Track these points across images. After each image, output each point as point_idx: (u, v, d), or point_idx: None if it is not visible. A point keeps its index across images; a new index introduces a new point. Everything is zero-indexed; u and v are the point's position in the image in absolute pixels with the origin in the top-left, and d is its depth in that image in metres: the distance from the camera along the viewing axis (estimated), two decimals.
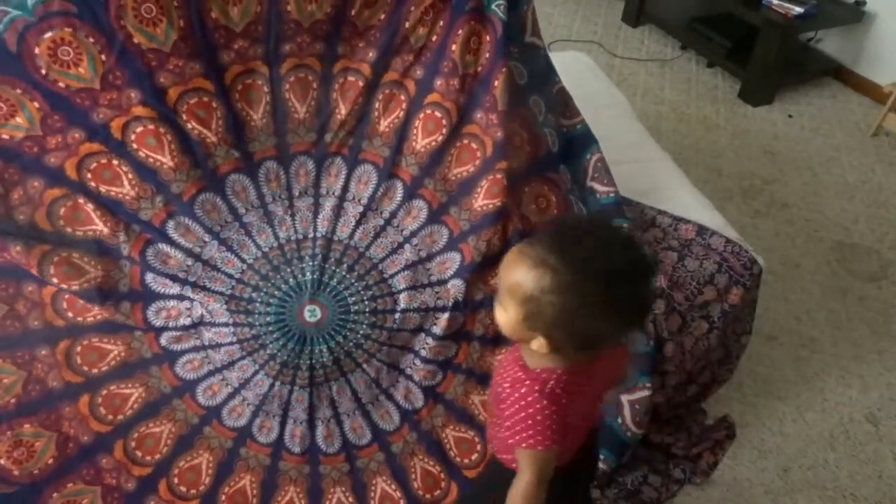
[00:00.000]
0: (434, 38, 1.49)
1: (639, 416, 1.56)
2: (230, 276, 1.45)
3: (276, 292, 1.44)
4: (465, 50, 1.46)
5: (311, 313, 1.47)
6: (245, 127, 1.47)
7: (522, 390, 0.98)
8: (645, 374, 1.56)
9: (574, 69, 2.32)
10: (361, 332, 1.47)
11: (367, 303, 1.48)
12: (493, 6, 1.45)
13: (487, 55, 1.47)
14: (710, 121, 3.03)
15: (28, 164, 1.33)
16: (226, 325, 1.42)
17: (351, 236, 1.52)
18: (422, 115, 1.51)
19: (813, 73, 3.32)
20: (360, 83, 1.50)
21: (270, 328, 1.43)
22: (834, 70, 3.33)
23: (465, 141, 1.51)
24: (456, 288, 1.45)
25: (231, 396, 1.43)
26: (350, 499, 1.43)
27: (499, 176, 1.46)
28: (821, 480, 1.71)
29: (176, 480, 1.39)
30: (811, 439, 1.80)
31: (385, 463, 1.45)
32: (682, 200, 1.81)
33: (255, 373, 1.43)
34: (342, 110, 1.52)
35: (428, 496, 1.46)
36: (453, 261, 1.49)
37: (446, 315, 1.45)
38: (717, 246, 1.66)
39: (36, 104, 1.31)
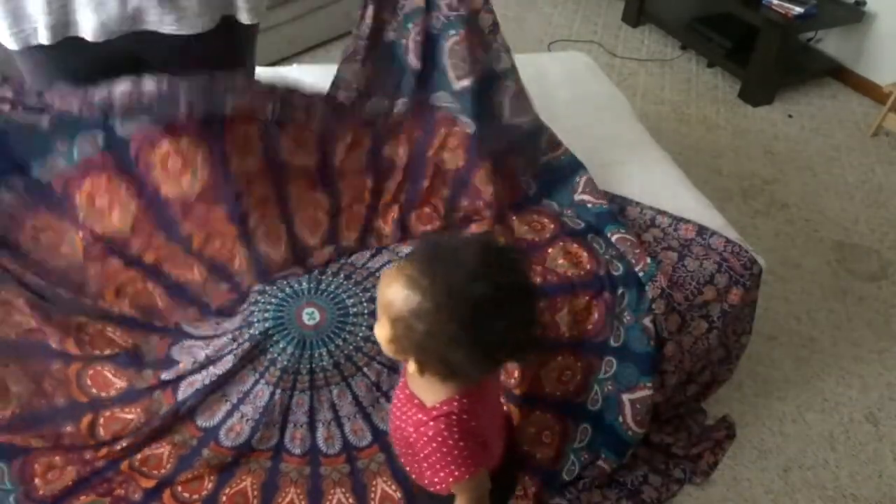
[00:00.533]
0: (411, 149, 1.61)
1: (640, 415, 1.56)
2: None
3: (272, 300, 1.45)
4: (441, 149, 1.61)
5: (310, 316, 1.47)
6: (269, 266, 1.54)
7: (430, 433, 0.93)
8: (646, 374, 1.56)
9: (574, 69, 2.33)
10: (361, 333, 1.47)
11: (365, 304, 1.49)
12: (463, 117, 1.58)
13: (463, 153, 1.60)
14: (710, 121, 3.03)
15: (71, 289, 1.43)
16: (230, 352, 1.44)
17: (347, 258, 1.61)
18: (415, 214, 1.65)
19: (813, 73, 3.32)
20: (363, 210, 1.62)
21: (270, 333, 1.44)
22: (834, 70, 3.33)
23: (456, 222, 1.66)
24: None
25: (229, 414, 1.43)
26: (350, 499, 1.43)
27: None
28: (821, 480, 1.71)
29: (179, 489, 1.41)
30: (811, 439, 1.80)
31: (385, 464, 1.45)
32: (682, 200, 1.81)
33: (255, 383, 1.43)
34: (350, 234, 1.62)
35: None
36: None
37: None
38: (717, 246, 1.66)
39: (80, 235, 1.40)
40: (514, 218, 1.65)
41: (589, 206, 1.68)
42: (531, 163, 1.73)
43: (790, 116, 3.10)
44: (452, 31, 1.57)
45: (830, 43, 3.33)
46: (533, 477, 1.52)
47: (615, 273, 1.54)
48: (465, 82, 1.58)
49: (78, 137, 1.31)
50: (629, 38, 3.63)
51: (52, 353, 1.42)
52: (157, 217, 1.41)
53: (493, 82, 1.64)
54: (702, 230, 1.70)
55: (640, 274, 1.54)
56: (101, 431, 1.42)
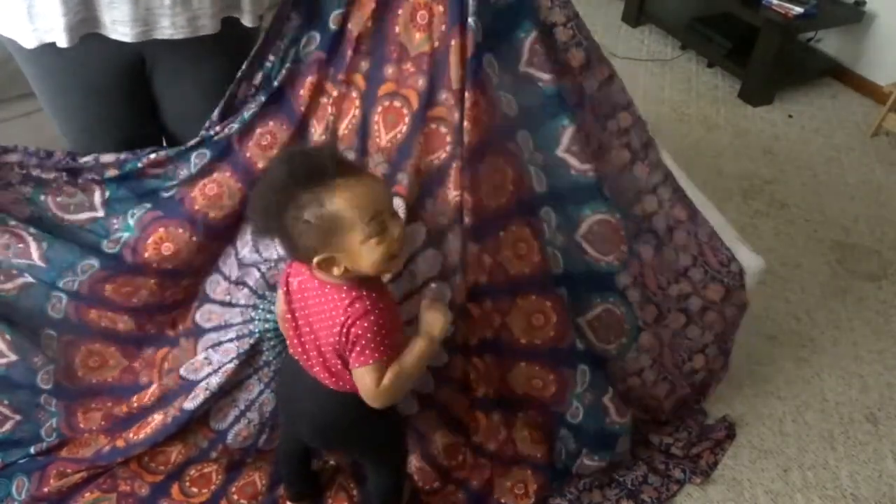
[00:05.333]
0: (370, 23, 1.33)
1: (620, 407, 1.51)
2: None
3: (273, 306, 1.45)
4: (410, 28, 1.30)
5: None
6: None
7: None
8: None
9: None
10: None
11: None
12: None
13: (443, 28, 1.28)
14: (710, 121, 3.03)
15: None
16: (232, 358, 1.43)
17: None
18: (379, 109, 1.36)
19: (813, 73, 3.32)
20: (326, 99, 1.41)
21: (270, 340, 1.44)
22: (834, 70, 3.33)
23: (433, 126, 1.32)
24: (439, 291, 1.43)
25: (237, 419, 1.44)
26: (351, 484, 1.48)
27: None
28: (821, 480, 1.71)
29: (188, 484, 1.42)
30: (811, 439, 1.80)
31: None
32: None
33: (261, 392, 1.44)
34: (317, 129, 1.44)
35: (427, 487, 1.49)
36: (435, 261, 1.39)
37: None
38: (702, 237, 1.59)
39: (154, 281, 1.46)
40: (501, 234, 1.38)
41: (573, 171, 1.40)
42: (543, 145, 1.42)
43: (790, 116, 3.10)
44: None
45: (830, 43, 3.33)
46: (534, 474, 1.52)
47: (556, 272, 1.42)
48: None
49: (130, 211, 1.43)
50: (629, 38, 3.63)
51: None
52: (211, 236, 1.47)
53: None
54: (693, 215, 1.60)
55: (605, 265, 1.43)
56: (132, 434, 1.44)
